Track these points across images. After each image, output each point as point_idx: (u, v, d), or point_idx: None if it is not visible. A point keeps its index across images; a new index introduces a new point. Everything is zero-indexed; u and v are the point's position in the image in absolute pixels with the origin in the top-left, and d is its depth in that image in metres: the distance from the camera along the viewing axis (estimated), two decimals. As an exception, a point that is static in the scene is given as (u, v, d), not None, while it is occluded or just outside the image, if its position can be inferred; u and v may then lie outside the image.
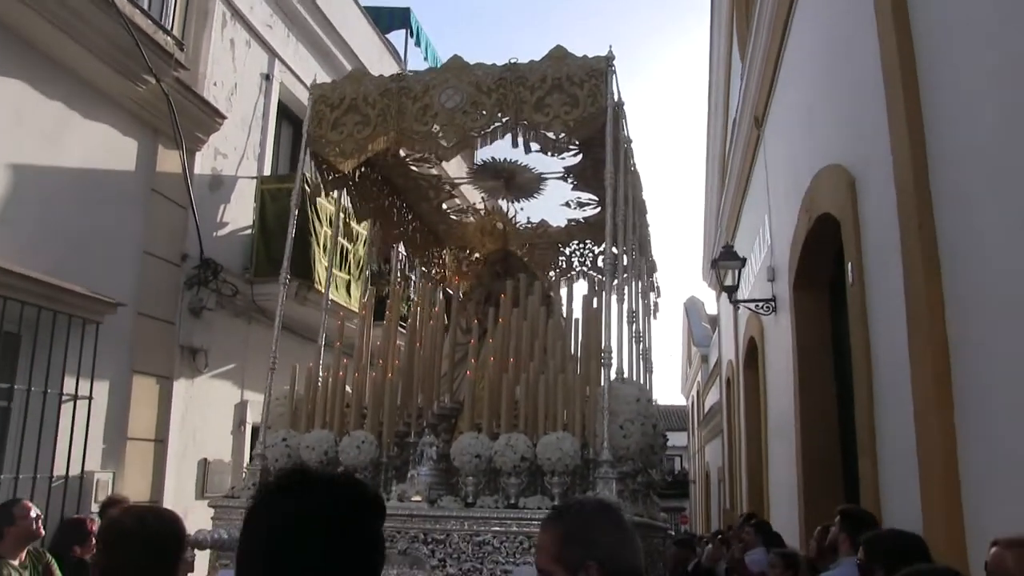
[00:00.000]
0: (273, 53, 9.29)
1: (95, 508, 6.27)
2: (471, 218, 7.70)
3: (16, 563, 4.76)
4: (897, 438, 5.20)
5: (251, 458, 5.38)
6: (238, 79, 8.69)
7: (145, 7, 6.82)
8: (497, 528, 4.35)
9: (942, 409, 4.31)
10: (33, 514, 4.92)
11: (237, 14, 8.68)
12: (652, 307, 7.26)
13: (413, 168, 6.76)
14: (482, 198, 7.61)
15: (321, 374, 5.63)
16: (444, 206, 7.46)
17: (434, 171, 7.03)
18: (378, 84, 5.48)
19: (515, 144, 5.30)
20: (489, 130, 5.21)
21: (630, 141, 5.81)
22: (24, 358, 5.94)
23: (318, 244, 8.40)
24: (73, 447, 6.17)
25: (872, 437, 5.89)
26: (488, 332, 5.77)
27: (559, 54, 5.25)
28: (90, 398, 6.33)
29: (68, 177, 6.44)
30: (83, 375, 6.26)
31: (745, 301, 11.00)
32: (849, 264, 6.30)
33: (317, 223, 8.47)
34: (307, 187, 8.34)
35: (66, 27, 6.07)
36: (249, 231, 8.67)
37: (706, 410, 23.71)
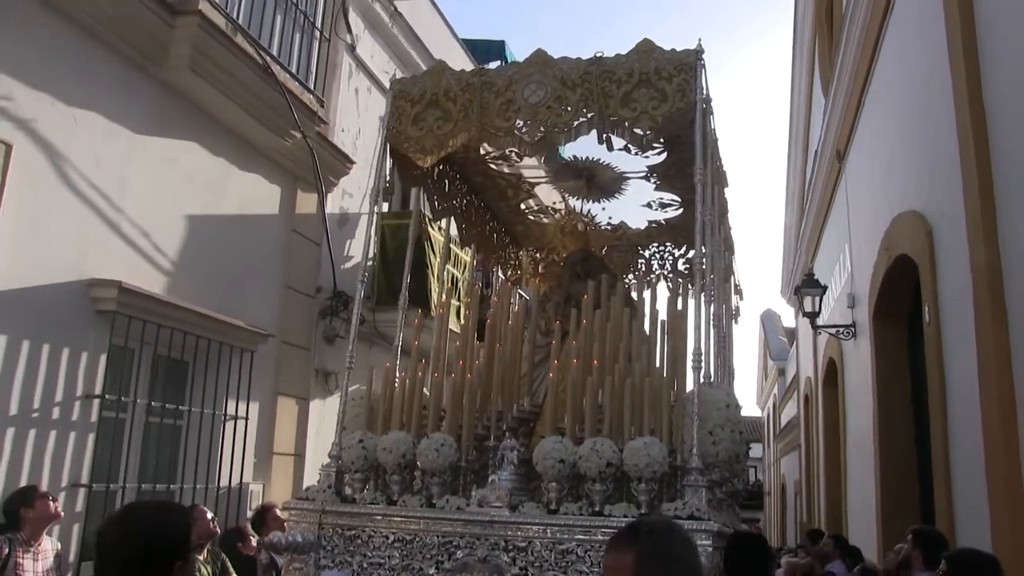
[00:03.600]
0: (390, 97, 10.12)
1: (249, 515, 7.16)
2: (548, 219, 7.47)
3: (201, 558, 5.70)
4: (969, 469, 5.67)
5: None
6: (361, 124, 9.54)
7: (294, 71, 7.72)
8: (581, 536, 4.15)
9: (1010, 450, 4.79)
10: (209, 516, 5.87)
11: (361, 64, 9.55)
12: (735, 311, 7.08)
13: (492, 166, 6.59)
14: (562, 197, 7.43)
15: (398, 375, 5.44)
16: (522, 206, 7.28)
17: (506, 169, 6.78)
18: (459, 79, 5.31)
19: (600, 140, 5.12)
20: (574, 126, 5.01)
21: (717, 139, 5.60)
22: (194, 384, 6.84)
23: (433, 275, 9.15)
24: (233, 461, 7.08)
25: (946, 466, 6.35)
26: (570, 334, 5.52)
27: (646, 47, 5.03)
28: (246, 418, 7.22)
29: (227, 223, 7.36)
30: (240, 398, 7.15)
31: (826, 327, 11.37)
32: (926, 306, 6.73)
33: (432, 255, 9.23)
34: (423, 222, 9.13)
35: (232, 94, 6.98)
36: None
37: (783, 423, 23.94)
